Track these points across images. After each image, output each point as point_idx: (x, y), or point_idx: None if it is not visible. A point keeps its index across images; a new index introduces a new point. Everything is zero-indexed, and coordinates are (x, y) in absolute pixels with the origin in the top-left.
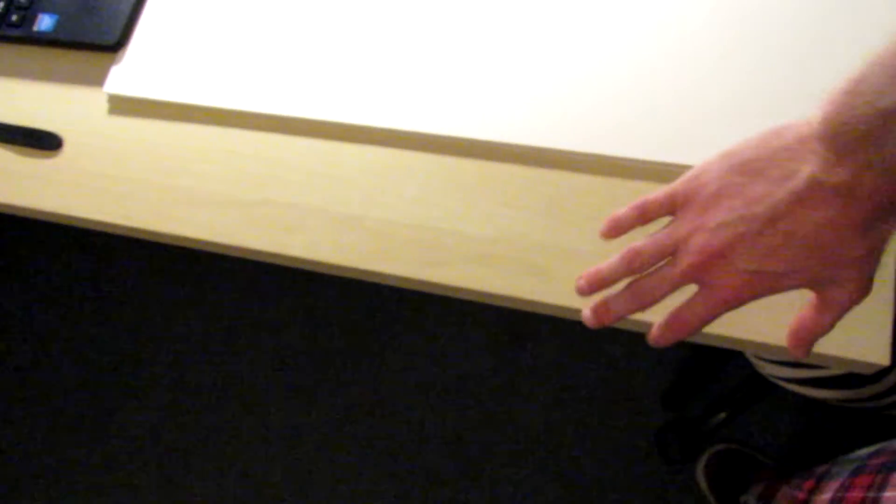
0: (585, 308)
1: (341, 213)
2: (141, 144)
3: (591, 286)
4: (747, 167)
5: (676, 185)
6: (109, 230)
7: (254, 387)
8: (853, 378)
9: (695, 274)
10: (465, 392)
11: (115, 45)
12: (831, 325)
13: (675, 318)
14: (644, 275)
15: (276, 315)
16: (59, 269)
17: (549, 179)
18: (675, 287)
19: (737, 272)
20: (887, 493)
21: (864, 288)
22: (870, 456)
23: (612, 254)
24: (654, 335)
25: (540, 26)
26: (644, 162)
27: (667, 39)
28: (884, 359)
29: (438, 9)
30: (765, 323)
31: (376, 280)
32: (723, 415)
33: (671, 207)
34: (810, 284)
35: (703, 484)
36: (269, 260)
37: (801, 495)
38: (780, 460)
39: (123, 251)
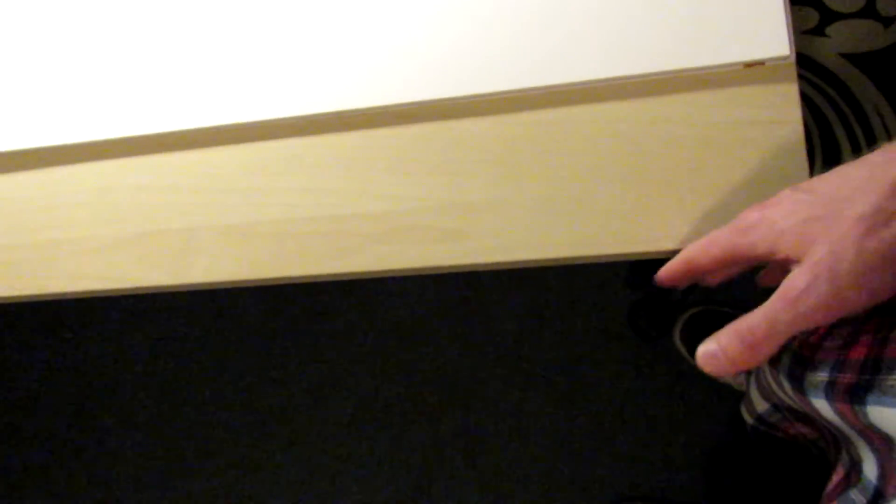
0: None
1: (231, 225)
2: None
3: None
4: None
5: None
6: None
7: (225, 372)
8: None
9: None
10: (436, 322)
11: None
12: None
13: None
14: None
15: (232, 295)
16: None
17: (433, 134)
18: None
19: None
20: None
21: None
22: None
23: (513, 199)
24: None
25: None
26: (523, 90)
27: None
28: None
29: None
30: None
31: (289, 282)
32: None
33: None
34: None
35: (682, 351)
36: (173, 290)
37: (813, 339)
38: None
39: None
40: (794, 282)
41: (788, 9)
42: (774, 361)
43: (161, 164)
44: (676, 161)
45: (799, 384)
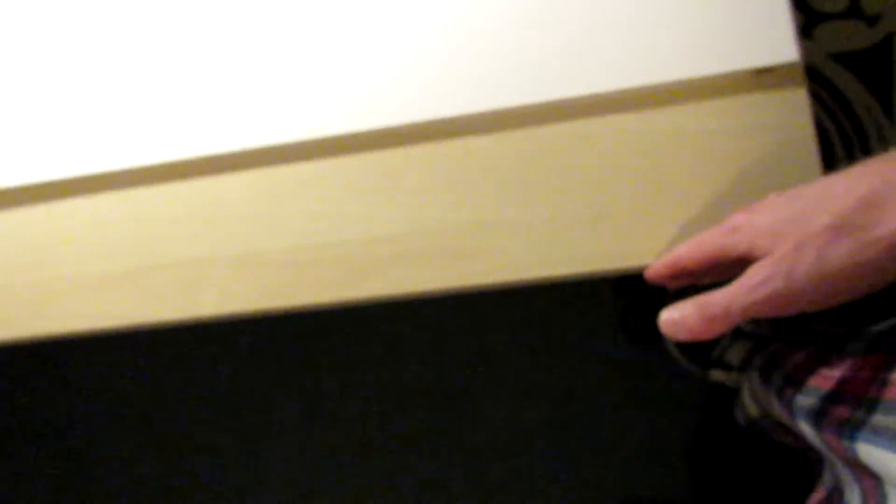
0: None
1: (241, 254)
2: None
3: None
4: None
5: None
6: None
7: (213, 396)
8: None
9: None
10: (428, 340)
11: None
12: None
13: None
14: None
15: (220, 328)
16: None
17: (440, 153)
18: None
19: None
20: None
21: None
22: (884, 334)
23: (525, 215)
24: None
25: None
26: (528, 106)
27: None
28: None
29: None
30: None
31: (305, 310)
32: None
33: None
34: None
35: (674, 352)
36: (181, 324)
37: (808, 363)
38: None
39: None
40: (755, 271)
41: (791, 13)
42: (766, 379)
43: (160, 194)
44: (690, 171)
45: (787, 404)
